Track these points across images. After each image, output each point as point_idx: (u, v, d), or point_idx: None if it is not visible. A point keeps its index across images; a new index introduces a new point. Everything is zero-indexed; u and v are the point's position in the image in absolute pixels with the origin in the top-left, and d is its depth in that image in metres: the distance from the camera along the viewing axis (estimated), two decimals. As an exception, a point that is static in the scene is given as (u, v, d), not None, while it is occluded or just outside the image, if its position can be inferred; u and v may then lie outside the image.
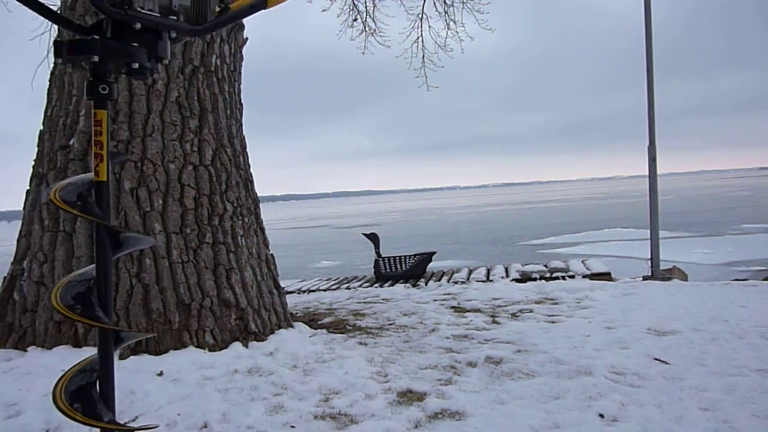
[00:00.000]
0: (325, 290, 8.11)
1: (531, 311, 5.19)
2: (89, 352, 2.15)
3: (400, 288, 7.49)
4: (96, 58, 1.53)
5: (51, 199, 1.56)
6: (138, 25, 1.55)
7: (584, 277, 7.46)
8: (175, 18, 1.60)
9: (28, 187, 4.22)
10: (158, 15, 1.57)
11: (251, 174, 4.67)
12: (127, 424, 2.69)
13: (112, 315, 1.61)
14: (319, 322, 5.03)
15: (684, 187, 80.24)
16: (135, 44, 1.58)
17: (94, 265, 1.60)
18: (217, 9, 1.68)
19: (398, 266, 9.06)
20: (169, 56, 1.69)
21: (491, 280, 7.66)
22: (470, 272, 8.76)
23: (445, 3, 8.47)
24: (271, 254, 4.74)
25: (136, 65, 1.58)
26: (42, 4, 1.58)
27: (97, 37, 1.55)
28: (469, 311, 5.33)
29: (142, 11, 1.54)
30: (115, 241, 1.59)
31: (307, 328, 4.57)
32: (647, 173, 7.91)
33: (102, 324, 1.52)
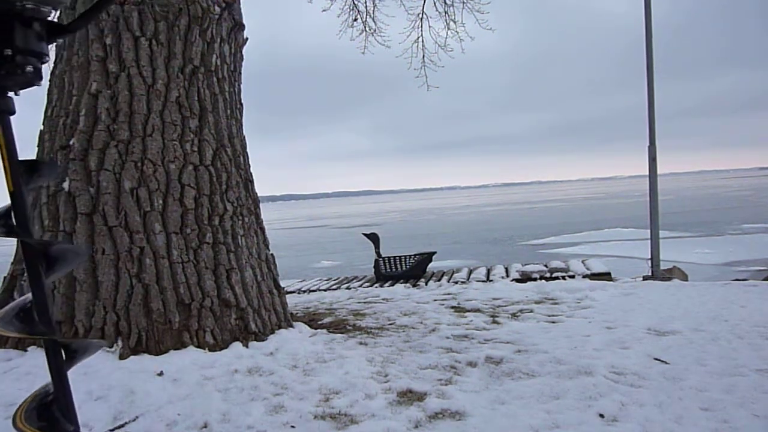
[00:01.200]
0: (325, 290, 8.11)
1: (531, 311, 5.19)
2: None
3: (400, 288, 7.49)
4: None
5: None
6: None
7: (584, 277, 7.46)
8: None
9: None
10: None
11: (251, 174, 4.67)
12: (127, 424, 2.70)
13: (57, 329, 1.55)
14: (319, 322, 5.03)
15: (684, 187, 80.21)
16: None
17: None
18: None
19: (398, 266, 9.07)
20: (33, 45, 1.55)
21: (491, 280, 7.67)
22: (470, 272, 8.76)
23: (445, 3, 8.48)
24: (271, 254, 4.74)
25: None
26: None
27: None
28: (469, 311, 5.33)
29: None
30: (43, 256, 1.52)
31: (307, 328, 4.57)
32: (647, 173, 7.91)
33: (44, 335, 1.48)
